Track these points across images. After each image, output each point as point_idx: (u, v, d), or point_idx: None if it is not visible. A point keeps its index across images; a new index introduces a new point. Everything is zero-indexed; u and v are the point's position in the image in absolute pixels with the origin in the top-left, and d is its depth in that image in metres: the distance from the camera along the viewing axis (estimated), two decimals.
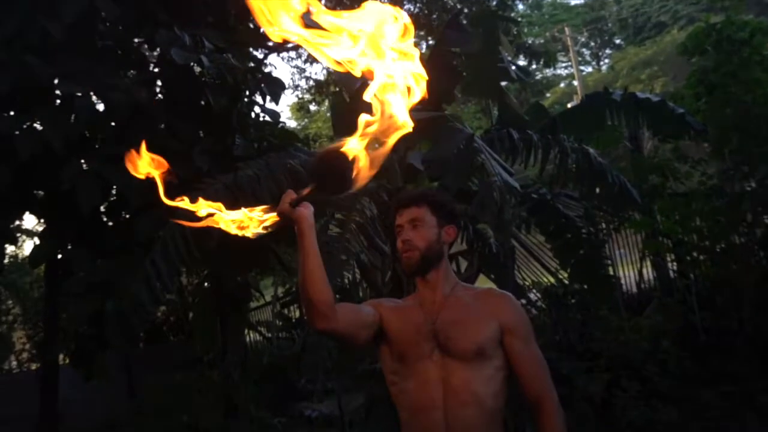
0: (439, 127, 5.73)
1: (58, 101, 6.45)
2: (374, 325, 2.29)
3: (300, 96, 19.29)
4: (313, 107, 20.16)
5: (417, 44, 6.42)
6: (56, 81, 6.23)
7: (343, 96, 6.88)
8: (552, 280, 7.76)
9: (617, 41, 44.71)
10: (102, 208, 6.89)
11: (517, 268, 7.34)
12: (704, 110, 7.40)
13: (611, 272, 8.13)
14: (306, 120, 25.74)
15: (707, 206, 7.04)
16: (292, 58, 16.65)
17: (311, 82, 17.36)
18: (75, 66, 6.06)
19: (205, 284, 8.93)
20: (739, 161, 7.01)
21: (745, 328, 6.60)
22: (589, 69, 42.90)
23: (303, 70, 17.35)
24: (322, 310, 2.04)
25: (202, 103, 6.88)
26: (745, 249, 7.04)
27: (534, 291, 7.91)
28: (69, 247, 6.74)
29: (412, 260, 2.29)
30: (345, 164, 1.76)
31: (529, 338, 2.24)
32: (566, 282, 7.50)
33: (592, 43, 45.85)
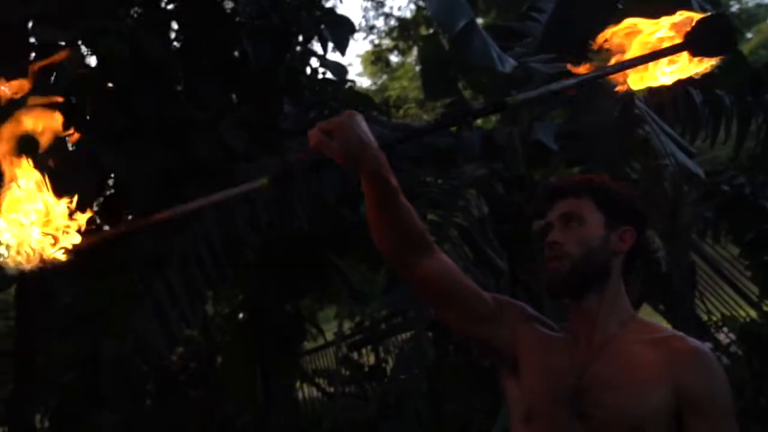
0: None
1: (33, 54, 6.63)
2: (488, 328, 2.33)
3: (376, 42, 19.40)
4: (394, 58, 20.23)
5: None
6: (30, 25, 6.40)
7: (439, 41, 6.89)
8: (753, 313, 7.59)
9: None
10: (95, 206, 7.05)
11: (698, 295, 7.22)
12: None
13: None
14: (384, 77, 25.87)
15: None
16: None
17: (392, 22, 17.45)
18: (56, 4, 6.23)
19: (240, 316, 9.07)
20: None
21: None
22: None
23: (380, 4, 17.51)
24: (413, 241, 2.22)
25: (236, 54, 6.99)
26: None
27: (725, 330, 7.77)
28: None
29: (559, 273, 2.25)
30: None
31: (723, 420, 2.16)
32: None
33: None
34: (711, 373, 2.18)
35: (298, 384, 12.11)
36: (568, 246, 2.24)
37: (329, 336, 12.87)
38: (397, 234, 2.20)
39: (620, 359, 2.21)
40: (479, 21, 7.41)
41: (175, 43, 7.43)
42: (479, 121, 9.35)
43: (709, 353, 2.23)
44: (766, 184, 6.57)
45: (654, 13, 2.09)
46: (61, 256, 1.94)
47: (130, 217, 6.86)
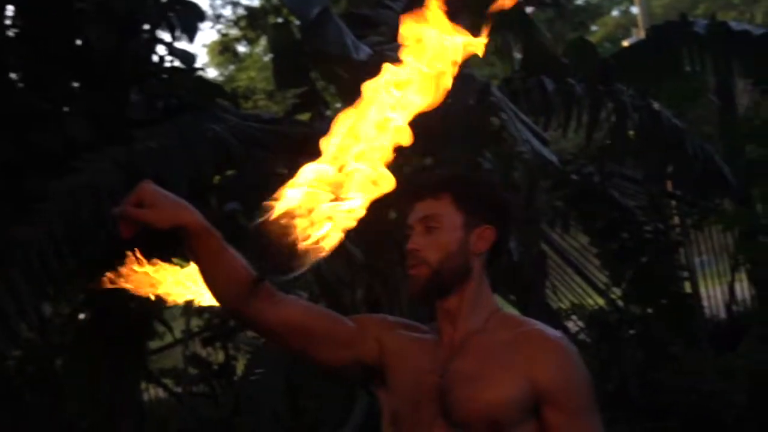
0: None
1: None
2: (355, 349, 2.32)
3: (223, 32, 19.15)
4: (242, 48, 20.05)
5: None
6: None
7: (290, 30, 6.87)
8: (601, 301, 7.81)
9: None
10: None
11: (549, 284, 7.38)
12: None
13: (688, 289, 8.24)
14: (233, 67, 25.61)
15: None
16: None
17: (240, 10, 17.25)
18: None
19: (82, 315, 8.85)
20: None
21: None
22: None
23: None
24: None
25: (79, 42, 6.82)
26: None
27: (574, 318, 7.98)
28: None
29: (419, 280, 2.27)
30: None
31: (580, 411, 2.22)
32: (621, 305, 7.56)
33: None
34: (566, 365, 2.24)
35: (144, 385, 11.88)
36: (426, 252, 2.26)
37: (177, 334, 12.66)
38: (238, 283, 2.18)
39: (479, 355, 2.24)
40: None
41: (10, 31, 7.20)
42: (329, 111, 9.36)
43: (567, 345, 2.28)
44: (614, 173, 6.77)
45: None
46: None
47: None
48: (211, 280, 2.19)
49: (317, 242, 1.96)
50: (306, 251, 1.95)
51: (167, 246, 2.70)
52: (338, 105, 11.23)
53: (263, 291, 2.22)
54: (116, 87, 6.86)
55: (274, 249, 1.97)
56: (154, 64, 7.42)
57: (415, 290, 2.30)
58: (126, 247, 2.60)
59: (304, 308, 2.34)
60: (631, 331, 7.58)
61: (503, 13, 6.50)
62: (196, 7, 7.20)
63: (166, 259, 2.86)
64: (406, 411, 2.27)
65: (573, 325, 7.91)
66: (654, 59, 6.66)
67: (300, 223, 1.95)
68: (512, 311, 2.54)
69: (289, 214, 1.95)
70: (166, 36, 7.35)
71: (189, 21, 7.06)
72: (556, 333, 2.31)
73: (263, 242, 1.97)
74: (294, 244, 1.94)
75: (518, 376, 2.19)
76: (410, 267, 2.28)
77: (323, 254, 1.97)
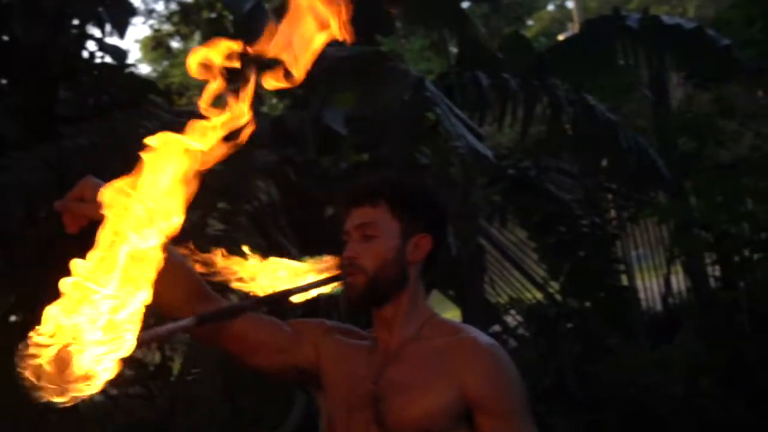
0: (371, 69, 5.74)
1: None
2: (291, 354, 2.33)
3: (156, 27, 18.93)
4: (175, 44, 19.87)
5: None
6: None
7: (224, 25, 6.84)
8: (539, 295, 7.87)
9: None
10: None
11: (487, 279, 7.42)
12: (759, 42, 7.56)
13: (625, 282, 8.33)
14: (166, 63, 25.37)
15: (764, 182, 7.23)
16: None
17: (173, 6, 17.08)
18: None
19: (12, 318, 8.72)
20: None
21: None
22: None
23: None
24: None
25: (5, 38, 6.73)
26: None
27: (512, 312, 8.00)
28: None
29: (355, 288, 2.26)
30: None
31: (511, 416, 2.23)
32: (559, 298, 7.63)
33: None
34: (497, 372, 2.25)
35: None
36: (362, 260, 2.25)
37: None
38: (184, 285, 2.20)
39: (413, 363, 2.26)
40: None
41: None
42: (265, 107, 9.33)
43: (498, 352, 2.29)
44: (550, 167, 6.82)
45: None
46: None
47: None
48: (165, 278, 2.14)
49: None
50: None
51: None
52: (274, 101, 11.22)
53: (207, 292, 2.24)
54: (45, 84, 6.78)
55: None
56: (84, 60, 7.35)
57: (351, 298, 2.29)
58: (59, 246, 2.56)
59: (249, 318, 2.34)
60: (569, 325, 7.62)
61: (439, 8, 6.52)
62: (126, 2, 7.13)
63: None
64: (341, 416, 2.28)
65: (511, 319, 7.94)
66: (588, 53, 6.71)
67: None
68: (446, 318, 2.52)
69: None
70: (96, 32, 7.28)
71: (119, 17, 7.00)
72: (488, 340, 2.32)
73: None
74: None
75: (449, 385, 2.21)
76: (347, 275, 2.27)
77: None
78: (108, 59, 7.46)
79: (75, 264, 1.74)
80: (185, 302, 2.20)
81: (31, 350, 1.66)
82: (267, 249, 5.25)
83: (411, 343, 2.29)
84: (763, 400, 6.64)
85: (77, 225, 2.06)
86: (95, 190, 1.97)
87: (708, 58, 6.50)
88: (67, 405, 1.70)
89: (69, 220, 2.07)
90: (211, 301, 2.26)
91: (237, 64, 1.88)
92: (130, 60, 7.44)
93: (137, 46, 30.04)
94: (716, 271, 8.29)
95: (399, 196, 2.33)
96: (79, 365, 1.68)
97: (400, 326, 2.30)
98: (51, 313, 1.69)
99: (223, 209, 5.43)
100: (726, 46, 6.49)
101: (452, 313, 9.32)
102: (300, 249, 5.39)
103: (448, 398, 2.20)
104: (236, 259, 2.22)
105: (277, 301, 2.26)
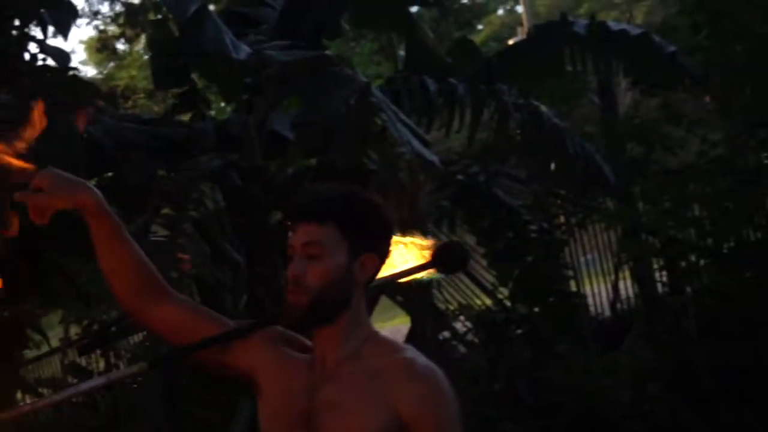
0: (318, 74, 5.71)
1: None
2: (232, 354, 2.32)
3: (101, 28, 18.77)
4: (121, 46, 19.73)
5: None
6: None
7: (169, 28, 6.78)
8: (488, 301, 7.87)
9: None
10: None
11: (436, 285, 7.41)
12: (706, 48, 7.62)
13: (574, 288, 8.37)
14: (111, 65, 25.20)
15: (710, 188, 7.29)
16: None
17: (118, 7, 16.93)
18: None
19: None
20: (756, 122, 7.23)
21: (764, 364, 6.84)
22: None
23: None
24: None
25: None
26: (764, 249, 7.30)
27: (462, 318, 8.02)
28: None
29: (296, 308, 2.21)
30: None
31: None
32: (508, 304, 7.63)
33: None
34: (431, 395, 2.22)
35: (20, 395, 11.62)
36: (308, 279, 2.21)
37: (54, 342, 12.41)
38: (134, 274, 2.29)
39: (348, 382, 2.24)
40: (211, 7, 7.33)
41: None
42: (213, 111, 9.26)
43: (434, 375, 2.25)
44: (498, 173, 6.83)
45: None
46: None
47: None
48: (106, 266, 2.27)
49: None
50: None
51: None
52: (221, 104, 11.16)
53: (158, 283, 2.32)
54: None
55: None
56: (26, 62, 7.26)
57: (290, 318, 2.26)
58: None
59: (192, 309, 2.39)
60: (518, 331, 7.65)
61: (387, 12, 6.52)
62: (69, 4, 7.05)
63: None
64: (275, 429, 2.27)
65: (461, 325, 7.95)
66: (536, 59, 6.74)
67: None
68: (387, 337, 2.49)
69: None
70: (38, 33, 7.20)
71: (62, 18, 6.92)
72: (425, 362, 2.27)
73: None
74: None
75: (382, 406, 2.18)
76: (289, 293, 2.23)
77: None
78: (50, 62, 7.39)
79: None
80: (134, 292, 2.29)
81: None
82: (212, 255, 5.23)
83: (349, 361, 2.25)
84: (710, 405, 6.71)
85: (44, 216, 2.19)
86: (50, 179, 2.15)
87: (655, 64, 6.56)
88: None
89: (34, 213, 2.18)
90: (167, 298, 2.34)
91: None
92: (75, 62, 7.38)
93: (82, 47, 29.79)
94: (663, 276, 8.37)
95: (349, 215, 2.27)
96: None
97: (339, 344, 2.27)
98: None
99: (167, 214, 5.38)
100: (672, 52, 6.55)
101: (402, 320, 9.36)
102: (245, 256, 5.36)
103: (381, 420, 2.18)
104: None
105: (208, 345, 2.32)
